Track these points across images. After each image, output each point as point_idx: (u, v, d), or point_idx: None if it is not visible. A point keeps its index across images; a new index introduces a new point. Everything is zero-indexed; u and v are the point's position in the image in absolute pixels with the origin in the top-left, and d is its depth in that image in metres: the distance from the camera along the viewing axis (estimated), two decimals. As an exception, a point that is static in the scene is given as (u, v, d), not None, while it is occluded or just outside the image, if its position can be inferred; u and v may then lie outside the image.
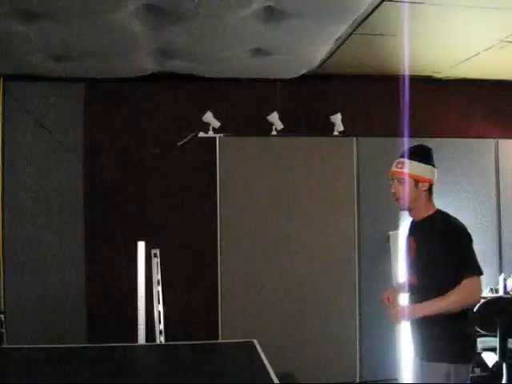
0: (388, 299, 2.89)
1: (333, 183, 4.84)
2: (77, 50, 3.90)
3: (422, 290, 2.59)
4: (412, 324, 2.69)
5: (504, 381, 4.07)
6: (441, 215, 2.65)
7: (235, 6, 3.17)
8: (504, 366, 4.05)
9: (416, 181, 2.61)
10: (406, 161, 2.63)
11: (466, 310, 2.50)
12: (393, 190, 2.68)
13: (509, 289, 4.68)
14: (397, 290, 2.98)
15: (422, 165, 2.63)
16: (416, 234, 2.70)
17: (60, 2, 3.07)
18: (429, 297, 2.52)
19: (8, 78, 4.51)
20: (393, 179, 2.69)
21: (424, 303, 2.51)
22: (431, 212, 2.65)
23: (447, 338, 2.51)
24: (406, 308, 2.61)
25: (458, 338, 2.50)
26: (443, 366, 2.48)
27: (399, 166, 2.65)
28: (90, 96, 4.68)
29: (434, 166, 2.68)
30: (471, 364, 2.55)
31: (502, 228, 5.02)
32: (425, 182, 2.62)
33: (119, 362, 3.06)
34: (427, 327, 2.56)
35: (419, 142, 2.77)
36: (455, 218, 2.63)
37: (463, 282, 2.44)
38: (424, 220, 2.66)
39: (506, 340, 3.98)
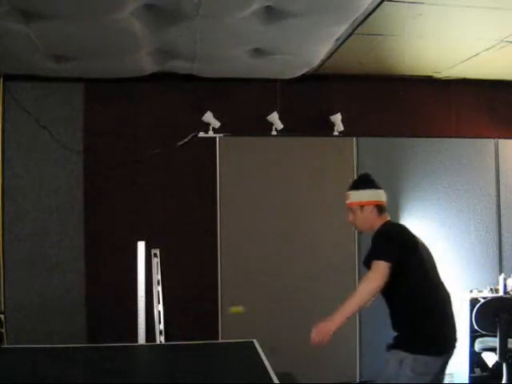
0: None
1: (333, 183, 4.84)
2: (77, 50, 3.90)
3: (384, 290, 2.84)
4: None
5: (504, 381, 4.07)
6: (382, 224, 2.91)
7: (235, 5, 3.17)
8: (504, 365, 4.05)
9: (361, 206, 2.94)
10: (351, 192, 3.00)
11: (426, 304, 2.72)
12: (349, 220, 3.03)
13: (509, 289, 4.68)
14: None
15: (362, 191, 2.96)
16: None
17: (60, 2, 3.07)
18: (388, 294, 2.86)
19: (8, 78, 4.51)
20: (348, 210, 3.03)
21: (336, 313, 2.81)
22: (377, 226, 2.92)
23: (405, 332, 2.77)
24: (319, 324, 2.80)
25: (412, 332, 2.73)
26: (398, 353, 2.71)
27: (347, 198, 3.01)
28: (89, 96, 4.68)
29: (376, 188, 2.99)
30: (432, 356, 2.68)
31: (502, 228, 5.03)
32: (368, 205, 2.93)
33: (119, 362, 3.06)
34: (393, 320, 2.89)
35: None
36: (390, 225, 2.92)
37: (372, 265, 2.70)
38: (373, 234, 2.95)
39: (506, 340, 3.98)
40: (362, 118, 4.95)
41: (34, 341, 4.31)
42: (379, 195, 2.98)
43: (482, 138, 5.07)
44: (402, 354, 2.69)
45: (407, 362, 2.67)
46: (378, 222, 2.91)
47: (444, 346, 2.74)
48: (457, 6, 3.28)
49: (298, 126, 4.86)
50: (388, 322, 2.95)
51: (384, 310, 2.95)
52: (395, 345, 2.79)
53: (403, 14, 3.39)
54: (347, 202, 3.01)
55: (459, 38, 3.90)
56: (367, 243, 4.76)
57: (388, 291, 2.80)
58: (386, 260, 2.66)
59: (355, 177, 4.85)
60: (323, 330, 2.78)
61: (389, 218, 2.96)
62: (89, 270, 4.59)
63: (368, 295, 2.76)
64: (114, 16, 3.23)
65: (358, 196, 2.97)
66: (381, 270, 2.68)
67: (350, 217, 3.01)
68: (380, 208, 2.94)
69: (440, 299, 2.78)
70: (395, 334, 2.86)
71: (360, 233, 3.19)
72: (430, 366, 2.68)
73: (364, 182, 3.03)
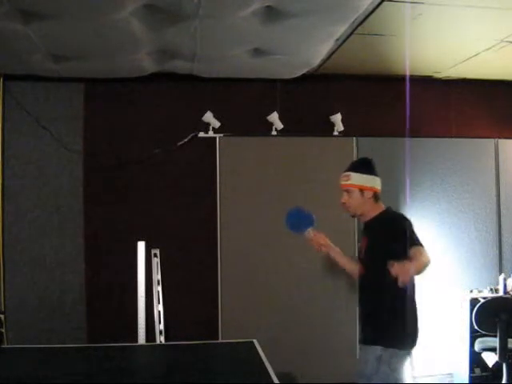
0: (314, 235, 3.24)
1: (333, 183, 4.82)
2: (77, 50, 3.90)
3: (366, 276, 2.93)
4: (359, 312, 3.04)
5: (504, 381, 4.07)
6: (385, 212, 2.95)
7: (235, 5, 3.17)
8: (504, 365, 4.05)
9: (361, 190, 2.93)
10: (351, 173, 2.97)
11: (393, 300, 2.73)
12: (342, 201, 3.00)
13: (509, 289, 4.68)
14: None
15: (365, 175, 2.95)
16: (366, 232, 3.02)
17: (60, 2, 3.07)
18: (370, 282, 2.88)
19: (8, 78, 4.51)
20: (342, 191, 3.00)
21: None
22: (378, 212, 2.95)
23: (382, 325, 2.76)
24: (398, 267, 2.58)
25: (390, 326, 2.73)
26: (376, 349, 2.73)
27: (345, 178, 2.98)
28: (89, 96, 4.68)
29: (376, 175, 3.00)
30: (406, 351, 2.74)
31: (502, 228, 5.03)
32: (369, 190, 2.94)
33: (119, 362, 3.06)
34: (368, 313, 2.89)
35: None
36: (398, 212, 3.00)
37: (413, 251, 2.63)
38: (372, 219, 2.97)
39: (506, 340, 3.98)
40: (362, 118, 4.95)
41: (34, 341, 4.32)
42: (379, 183, 3.00)
43: (482, 138, 5.07)
44: (378, 351, 2.71)
45: (385, 359, 2.69)
46: (373, 209, 2.93)
47: (415, 339, 2.80)
48: (457, 6, 3.28)
49: (298, 126, 4.86)
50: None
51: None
52: (372, 340, 2.79)
53: (403, 14, 3.39)
54: (346, 182, 2.96)
55: (459, 38, 3.90)
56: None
57: (373, 279, 2.82)
58: (423, 245, 2.68)
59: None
60: (404, 270, 2.54)
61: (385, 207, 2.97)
62: (89, 270, 4.59)
63: (424, 268, 2.64)
64: (113, 16, 3.23)
65: (359, 179, 2.94)
66: (427, 255, 2.64)
67: (345, 198, 2.97)
68: (377, 196, 2.96)
69: (413, 292, 2.82)
70: (361, 325, 2.94)
71: (352, 216, 3.09)
72: (404, 360, 2.73)
73: (367, 166, 3.01)
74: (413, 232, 2.77)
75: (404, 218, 2.86)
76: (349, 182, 2.95)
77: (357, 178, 2.94)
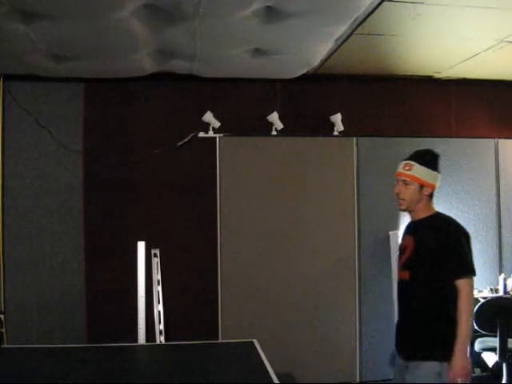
0: None
1: (333, 183, 4.84)
2: (77, 50, 3.90)
3: (415, 285, 2.63)
4: (401, 328, 2.72)
5: (504, 381, 4.07)
6: (441, 215, 2.72)
7: (235, 5, 3.17)
8: (504, 365, 4.05)
9: (421, 185, 2.67)
10: (414, 164, 2.69)
11: (450, 309, 2.52)
12: (396, 191, 2.72)
13: (509, 289, 4.68)
14: None
15: (430, 171, 2.69)
16: (414, 233, 2.74)
17: (60, 2, 3.07)
18: (420, 291, 2.59)
19: (8, 78, 4.51)
20: (398, 180, 2.73)
21: (457, 346, 2.45)
22: (431, 213, 2.71)
23: (438, 337, 2.53)
24: (454, 367, 2.46)
25: (447, 337, 2.50)
26: (435, 365, 2.50)
27: (406, 168, 2.70)
28: (89, 96, 4.68)
29: (439, 172, 2.74)
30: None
31: (502, 228, 5.02)
32: (429, 186, 2.68)
33: (119, 362, 3.06)
34: (417, 328, 2.60)
35: (428, 147, 2.84)
36: (455, 220, 2.71)
37: (459, 284, 2.50)
38: (423, 220, 2.71)
39: (506, 340, 3.98)
40: (362, 118, 4.95)
41: (34, 341, 4.33)
42: (439, 181, 2.72)
43: (482, 138, 5.07)
44: (437, 367, 2.49)
45: (443, 373, 2.48)
46: (426, 209, 2.68)
47: None
48: (457, 6, 3.28)
49: (298, 126, 4.86)
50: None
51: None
52: (426, 355, 2.53)
53: (403, 14, 3.39)
54: (406, 172, 2.68)
55: (459, 38, 3.90)
56: (367, 243, 4.80)
57: (423, 286, 2.58)
58: (472, 276, 2.53)
59: (355, 177, 4.86)
60: (462, 371, 2.45)
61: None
62: (89, 270, 4.59)
63: (472, 316, 2.57)
64: (113, 16, 3.23)
65: (422, 173, 2.66)
66: (472, 288, 2.53)
67: (400, 189, 2.69)
68: (432, 195, 2.72)
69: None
70: (406, 340, 2.65)
71: (401, 210, 2.76)
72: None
73: (434, 160, 2.73)
74: (467, 253, 2.57)
75: (463, 231, 2.63)
76: (409, 173, 2.66)
77: (420, 171, 2.66)
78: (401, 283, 2.75)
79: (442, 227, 2.63)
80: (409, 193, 2.67)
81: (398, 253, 2.88)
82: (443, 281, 2.54)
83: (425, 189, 2.67)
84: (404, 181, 2.69)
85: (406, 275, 2.67)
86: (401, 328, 2.73)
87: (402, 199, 2.70)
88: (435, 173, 2.71)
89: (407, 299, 2.70)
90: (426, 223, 2.69)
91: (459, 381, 2.44)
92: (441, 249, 2.55)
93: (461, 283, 2.50)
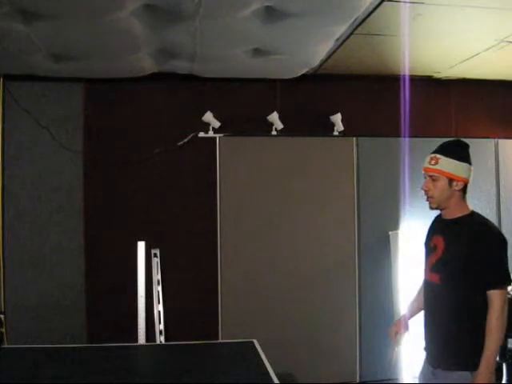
0: (395, 333, 2.82)
1: (333, 183, 4.84)
2: (77, 50, 3.90)
3: (446, 289, 2.47)
4: (429, 332, 2.60)
5: (504, 381, 4.07)
6: (476, 217, 2.52)
7: (235, 5, 3.17)
8: (504, 365, 4.05)
9: (450, 179, 2.47)
10: (441, 157, 2.47)
11: (481, 320, 2.37)
12: (424, 188, 2.53)
13: (509, 289, 4.67)
14: (404, 324, 2.85)
15: (458, 162, 2.46)
16: (446, 233, 2.55)
17: (60, 2, 3.07)
18: (451, 297, 2.44)
19: (8, 78, 4.51)
20: (425, 176, 2.55)
21: (482, 361, 2.33)
22: (466, 212, 2.52)
23: (468, 347, 2.41)
24: (476, 381, 2.36)
25: (478, 346, 2.36)
26: (466, 375, 2.38)
27: (433, 162, 2.49)
28: (89, 96, 4.68)
29: (470, 163, 2.52)
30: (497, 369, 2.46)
31: (502, 228, 5.01)
32: (459, 180, 2.47)
33: (119, 361, 3.06)
34: (445, 335, 2.47)
35: (456, 138, 2.61)
36: (492, 223, 2.51)
37: (491, 296, 2.35)
38: (457, 220, 2.52)
39: (506, 340, 3.98)
40: (362, 118, 4.95)
41: (34, 341, 4.33)
42: (471, 173, 2.49)
43: (482, 138, 5.07)
44: (469, 377, 2.36)
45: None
46: (460, 206, 2.49)
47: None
48: (457, 6, 3.28)
49: (298, 126, 4.87)
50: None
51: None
52: (459, 364, 2.40)
53: (403, 14, 3.39)
54: (432, 167, 2.47)
55: (459, 38, 3.90)
56: (367, 243, 4.81)
57: (455, 291, 2.43)
58: (507, 286, 2.36)
59: (355, 177, 4.86)
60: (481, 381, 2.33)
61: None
62: (89, 270, 4.59)
63: (504, 328, 2.35)
64: (113, 16, 3.23)
65: (450, 165, 2.44)
66: (505, 299, 2.34)
67: (428, 186, 2.50)
68: (466, 188, 2.50)
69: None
70: (436, 348, 2.51)
71: (432, 208, 2.55)
72: (498, 374, 2.50)
73: (463, 152, 2.50)
74: (503, 262, 2.38)
75: (501, 236, 2.43)
76: (436, 167, 2.44)
77: (447, 164, 2.44)
78: (430, 285, 2.60)
79: (478, 231, 2.43)
80: (438, 189, 2.47)
81: (424, 249, 2.70)
82: (476, 290, 2.38)
83: (455, 183, 2.46)
84: (431, 176, 2.49)
85: (436, 278, 2.53)
86: (428, 332, 2.60)
87: (431, 197, 2.51)
88: (465, 164, 2.48)
89: (436, 303, 2.55)
90: (461, 224, 2.49)
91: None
92: (475, 255, 2.37)
93: (493, 294, 2.35)
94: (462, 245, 2.43)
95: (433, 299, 2.57)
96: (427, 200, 2.54)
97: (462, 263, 2.41)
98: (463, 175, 2.48)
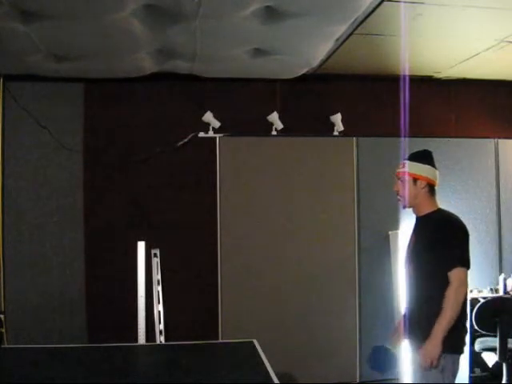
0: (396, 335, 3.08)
1: (333, 183, 4.84)
2: (77, 50, 3.90)
3: (416, 277, 2.78)
4: (408, 318, 2.86)
5: (504, 381, 4.07)
6: (442, 212, 2.85)
7: (235, 5, 3.17)
8: (504, 365, 4.05)
9: (414, 179, 2.82)
10: (407, 162, 2.89)
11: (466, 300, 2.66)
12: (395, 189, 2.91)
13: (509, 289, 4.68)
14: (398, 332, 3.07)
15: (420, 164, 2.84)
16: (416, 228, 2.90)
17: (60, 2, 3.07)
18: (420, 284, 2.75)
19: (8, 78, 4.51)
20: (397, 179, 2.93)
21: (433, 331, 2.59)
22: (433, 209, 2.83)
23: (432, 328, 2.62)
24: (422, 351, 2.64)
25: (456, 327, 2.62)
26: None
27: (401, 166, 2.91)
28: (89, 96, 4.68)
29: (433, 166, 2.88)
30: (460, 355, 2.69)
31: (502, 228, 5.03)
32: (422, 180, 2.81)
33: (119, 362, 3.06)
34: (423, 319, 2.70)
35: (428, 147, 2.98)
36: (456, 216, 2.82)
37: (451, 275, 2.62)
38: (424, 216, 2.84)
39: (506, 340, 3.98)
40: (362, 118, 4.95)
41: (34, 341, 4.33)
42: (435, 174, 2.86)
43: (482, 138, 5.07)
44: (441, 360, 2.59)
45: (448, 367, 2.61)
46: (428, 204, 2.81)
47: (465, 338, 2.75)
48: (457, 6, 3.28)
49: (297, 126, 4.86)
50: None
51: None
52: (427, 338, 2.63)
53: (403, 14, 3.39)
54: (400, 170, 2.88)
55: (459, 38, 3.90)
56: (367, 243, 4.81)
57: (426, 286, 2.71)
58: (467, 267, 2.64)
59: (355, 177, 4.87)
60: (430, 353, 2.60)
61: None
62: (89, 270, 4.59)
63: (459, 307, 2.62)
64: (113, 16, 3.23)
65: (413, 167, 2.83)
66: (465, 279, 2.63)
67: (398, 187, 2.87)
68: (432, 188, 2.84)
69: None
70: (414, 332, 2.78)
71: (404, 207, 2.91)
72: (458, 364, 2.67)
73: (423, 156, 2.89)
74: (461, 246, 2.68)
75: (461, 226, 2.74)
76: (403, 170, 2.86)
77: (410, 166, 2.84)
78: (408, 278, 2.89)
79: (440, 221, 2.77)
80: (405, 189, 2.84)
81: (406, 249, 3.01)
82: (439, 272, 2.65)
83: (419, 182, 2.81)
84: (399, 178, 2.88)
85: (411, 269, 2.84)
86: (408, 318, 2.88)
87: (401, 196, 2.87)
88: (427, 166, 2.85)
89: (410, 291, 2.85)
90: (428, 218, 2.82)
91: (422, 362, 2.60)
92: (437, 240, 2.68)
93: (452, 274, 2.62)
94: (427, 235, 2.76)
95: (408, 288, 2.88)
96: (398, 200, 2.92)
97: (427, 250, 2.71)
98: (425, 174, 2.82)
